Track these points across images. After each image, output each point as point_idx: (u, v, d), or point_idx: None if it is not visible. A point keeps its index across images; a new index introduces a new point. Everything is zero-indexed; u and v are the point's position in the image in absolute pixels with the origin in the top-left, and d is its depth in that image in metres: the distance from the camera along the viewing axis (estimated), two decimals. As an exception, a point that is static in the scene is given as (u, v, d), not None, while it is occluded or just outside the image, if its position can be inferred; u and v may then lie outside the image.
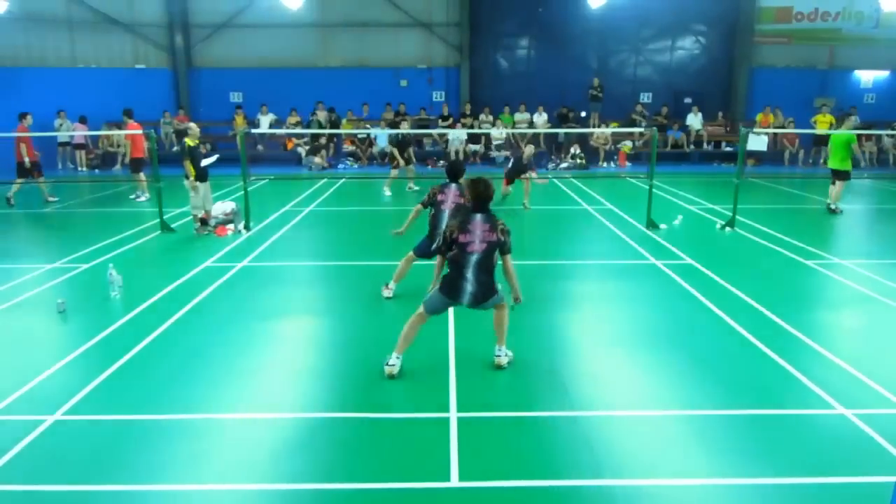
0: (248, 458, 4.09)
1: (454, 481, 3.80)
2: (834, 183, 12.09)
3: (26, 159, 12.89)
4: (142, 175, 13.81)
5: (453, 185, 6.83)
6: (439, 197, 6.78)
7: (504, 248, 5.02)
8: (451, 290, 5.05)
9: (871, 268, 8.22)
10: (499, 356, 5.33)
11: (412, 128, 19.80)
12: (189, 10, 21.29)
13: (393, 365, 5.13)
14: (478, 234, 4.94)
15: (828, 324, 6.63)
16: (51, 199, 13.52)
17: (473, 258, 4.94)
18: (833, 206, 12.01)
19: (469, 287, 4.99)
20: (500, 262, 5.16)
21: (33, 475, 3.88)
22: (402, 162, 14.63)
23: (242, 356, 5.62)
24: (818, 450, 4.16)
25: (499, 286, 5.19)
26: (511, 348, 5.71)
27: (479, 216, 5.02)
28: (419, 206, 7.02)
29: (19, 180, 13.13)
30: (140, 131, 13.26)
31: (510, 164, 13.24)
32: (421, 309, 5.22)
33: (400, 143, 14.81)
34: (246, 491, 3.79)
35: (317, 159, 19.31)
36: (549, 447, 4.21)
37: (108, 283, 7.17)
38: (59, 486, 3.79)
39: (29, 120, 13.34)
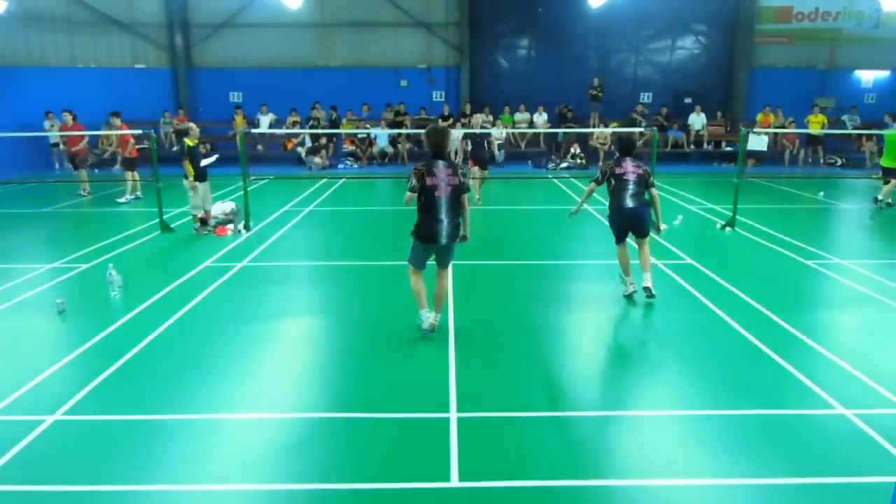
0: (248, 458, 4.09)
1: (454, 481, 3.80)
2: (888, 181, 12.58)
3: (61, 147, 14.50)
4: (130, 175, 13.79)
5: (628, 159, 6.97)
6: (617, 170, 6.91)
7: (464, 189, 5.56)
8: (427, 234, 5.52)
9: (872, 268, 8.21)
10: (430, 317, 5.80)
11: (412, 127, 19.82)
12: (189, 9, 21.29)
13: (430, 317, 5.78)
14: (443, 178, 5.42)
15: (828, 324, 6.62)
16: (84, 193, 14.32)
17: (443, 200, 5.42)
18: (887, 201, 12.47)
19: (444, 228, 5.48)
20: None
21: (33, 475, 3.88)
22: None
23: (242, 356, 5.62)
24: (818, 450, 4.16)
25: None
26: (511, 348, 5.72)
27: (440, 162, 5.49)
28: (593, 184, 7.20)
29: (78, 173, 14.37)
30: (128, 131, 13.41)
31: (471, 147, 13.58)
32: (410, 268, 5.76)
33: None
34: (246, 491, 3.79)
35: (317, 159, 19.31)
36: (550, 447, 4.21)
37: (107, 283, 7.17)
38: (59, 486, 3.79)
39: (65, 117, 14.52)
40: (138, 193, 14.04)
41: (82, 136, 14.50)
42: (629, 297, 6.96)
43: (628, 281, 7.04)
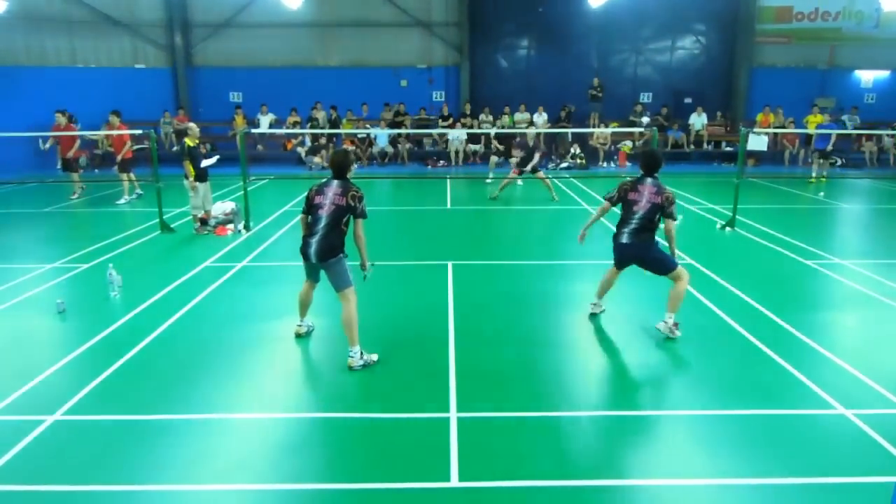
0: (248, 458, 4.09)
1: (454, 481, 3.80)
2: None
3: (47, 145, 14.31)
4: (126, 176, 13.74)
5: (648, 180, 5.91)
6: (630, 195, 5.89)
7: (356, 213, 5.37)
8: (303, 248, 5.47)
9: (871, 268, 8.22)
10: (352, 357, 5.35)
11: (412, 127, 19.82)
12: (189, 9, 21.28)
13: (300, 325, 6.07)
14: (329, 197, 5.36)
15: (828, 324, 6.62)
16: (74, 197, 14.13)
17: (322, 218, 5.33)
18: None
19: (314, 244, 5.35)
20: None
21: (33, 475, 3.88)
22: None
23: (242, 356, 5.62)
24: (818, 450, 4.16)
25: (349, 271, 5.47)
26: (511, 348, 5.71)
27: (335, 182, 5.44)
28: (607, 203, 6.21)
29: (75, 176, 14.37)
30: (126, 131, 13.38)
31: (522, 154, 13.28)
32: (305, 278, 5.85)
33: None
34: (246, 491, 3.80)
35: (317, 159, 19.31)
36: (550, 447, 4.21)
37: (107, 283, 7.17)
38: (59, 486, 3.79)
39: (58, 118, 14.21)
40: (139, 191, 14.04)
41: (74, 139, 14.22)
42: (593, 315, 6.49)
43: (598, 303, 6.53)
